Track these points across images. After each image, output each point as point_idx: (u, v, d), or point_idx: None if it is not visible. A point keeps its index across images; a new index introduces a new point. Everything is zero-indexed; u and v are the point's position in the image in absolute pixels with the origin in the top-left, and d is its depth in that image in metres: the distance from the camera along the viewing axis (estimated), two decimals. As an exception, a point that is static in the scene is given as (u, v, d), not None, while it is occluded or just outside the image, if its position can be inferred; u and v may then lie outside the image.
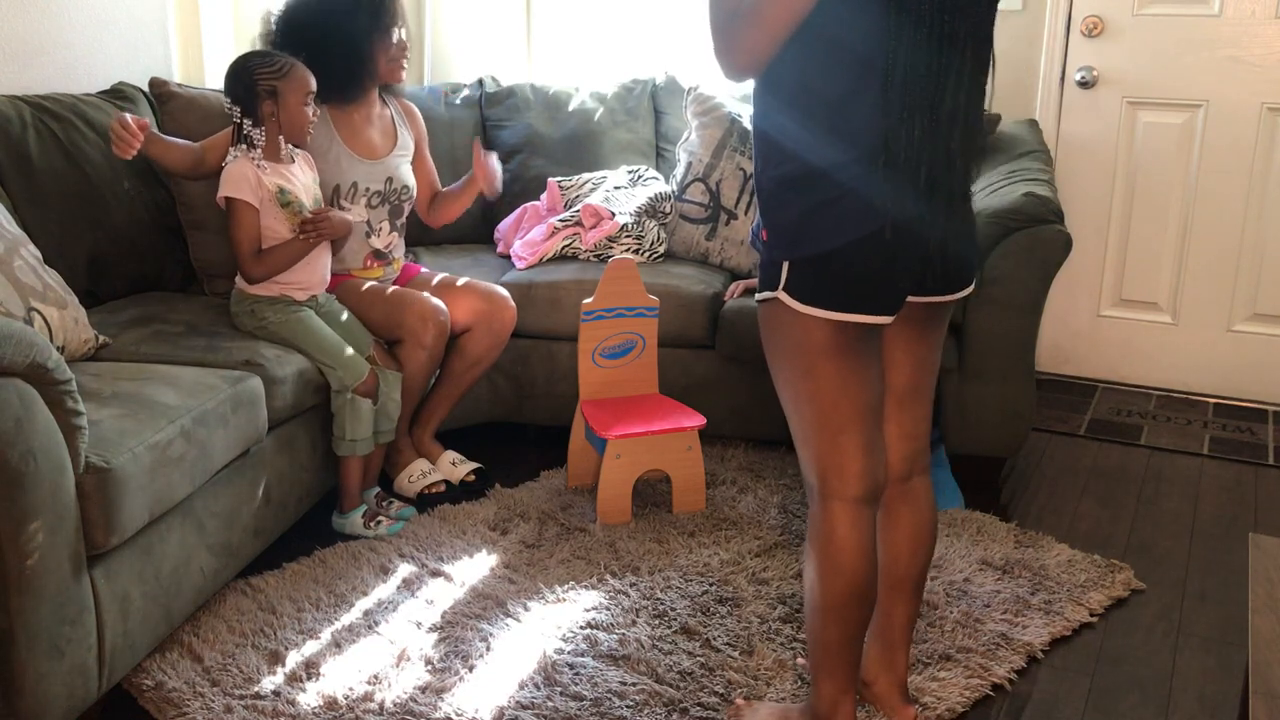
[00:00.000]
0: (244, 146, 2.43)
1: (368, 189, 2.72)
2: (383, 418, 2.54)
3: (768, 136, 1.55)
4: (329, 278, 2.60)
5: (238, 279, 2.51)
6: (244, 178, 2.40)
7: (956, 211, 1.57)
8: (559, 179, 3.28)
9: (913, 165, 1.49)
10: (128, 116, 2.30)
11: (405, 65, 2.76)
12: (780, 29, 1.44)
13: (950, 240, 1.57)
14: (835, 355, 1.57)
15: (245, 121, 2.43)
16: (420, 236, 3.00)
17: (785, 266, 1.55)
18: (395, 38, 2.69)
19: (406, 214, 2.85)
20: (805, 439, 1.64)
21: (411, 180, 2.83)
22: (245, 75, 2.42)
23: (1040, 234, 2.66)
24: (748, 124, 3.18)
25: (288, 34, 2.63)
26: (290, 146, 2.49)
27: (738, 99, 3.30)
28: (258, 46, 2.65)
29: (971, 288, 1.66)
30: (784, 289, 1.56)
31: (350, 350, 2.46)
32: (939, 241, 1.55)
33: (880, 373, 1.64)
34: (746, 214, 3.12)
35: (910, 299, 1.61)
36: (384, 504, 2.61)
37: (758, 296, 1.63)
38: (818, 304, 1.54)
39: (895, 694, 1.85)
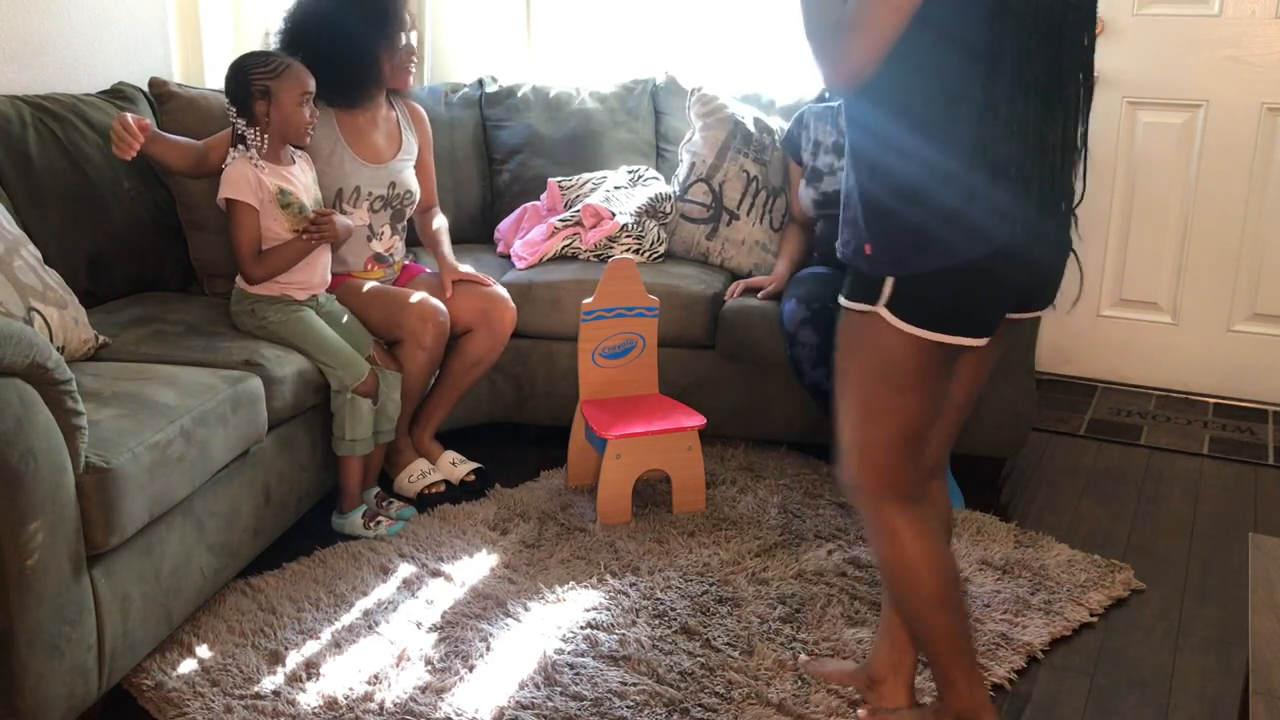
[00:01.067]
0: (241, 147, 2.43)
1: (370, 193, 2.72)
2: (383, 418, 2.54)
3: (876, 150, 1.52)
4: (329, 278, 2.60)
5: (238, 279, 2.51)
6: (244, 179, 2.40)
7: (1064, 227, 1.56)
8: (559, 179, 3.28)
9: (1026, 181, 1.47)
10: (129, 116, 2.30)
11: (412, 70, 2.75)
12: (887, 35, 1.41)
13: (1056, 258, 1.57)
14: (928, 375, 1.56)
15: (239, 122, 2.43)
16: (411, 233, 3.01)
17: (890, 283, 1.52)
18: (402, 43, 2.69)
19: (408, 217, 2.85)
20: (868, 449, 1.62)
21: (414, 185, 2.83)
22: (240, 75, 2.43)
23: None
24: (751, 126, 3.18)
25: (295, 38, 2.63)
26: (290, 147, 2.50)
27: (739, 100, 3.30)
28: (264, 47, 2.66)
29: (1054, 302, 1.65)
30: (886, 305, 1.52)
31: (350, 350, 2.47)
32: (1049, 260, 1.55)
33: (945, 386, 1.64)
34: (748, 215, 3.12)
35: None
36: (384, 504, 2.61)
37: (848, 304, 1.59)
38: (923, 325, 1.51)
39: (903, 693, 1.85)
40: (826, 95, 3.02)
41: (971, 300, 1.51)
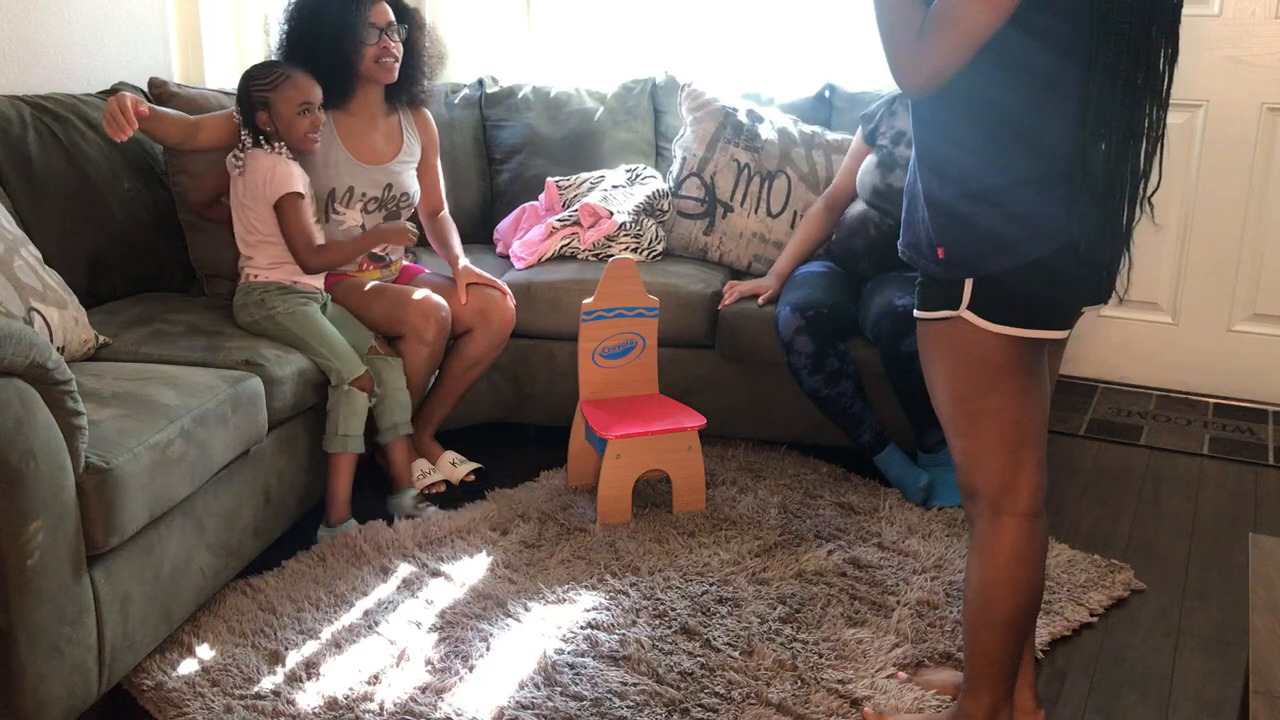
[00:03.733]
0: (266, 146, 2.48)
1: (364, 194, 2.72)
2: (396, 408, 2.54)
3: (949, 151, 1.51)
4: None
5: (245, 269, 2.54)
6: (291, 173, 2.47)
7: (1131, 221, 1.55)
8: (557, 179, 3.29)
9: (1106, 180, 1.47)
10: (128, 98, 2.33)
11: (394, 64, 2.69)
12: (979, 37, 1.39)
13: (1120, 249, 1.57)
14: (1019, 372, 1.55)
15: (244, 136, 2.50)
16: (422, 237, 3.00)
17: (969, 285, 1.51)
18: (375, 38, 2.64)
19: (405, 219, 2.84)
20: (980, 456, 1.61)
21: (413, 188, 2.83)
22: (243, 86, 2.50)
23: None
24: (742, 117, 3.18)
25: (286, 37, 2.66)
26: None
27: (733, 94, 3.30)
28: (270, 48, 2.68)
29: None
30: (969, 308, 1.52)
31: (351, 349, 2.47)
32: (1115, 251, 1.54)
33: (1048, 386, 1.62)
34: (743, 205, 3.12)
35: None
36: (420, 507, 2.59)
37: (926, 315, 1.58)
38: (1007, 321, 1.51)
39: (1028, 695, 1.84)
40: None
41: (1051, 293, 1.52)
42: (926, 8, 1.43)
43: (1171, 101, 1.57)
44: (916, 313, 1.61)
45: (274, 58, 2.68)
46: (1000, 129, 1.47)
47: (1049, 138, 1.46)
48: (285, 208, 2.46)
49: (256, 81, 2.47)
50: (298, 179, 2.48)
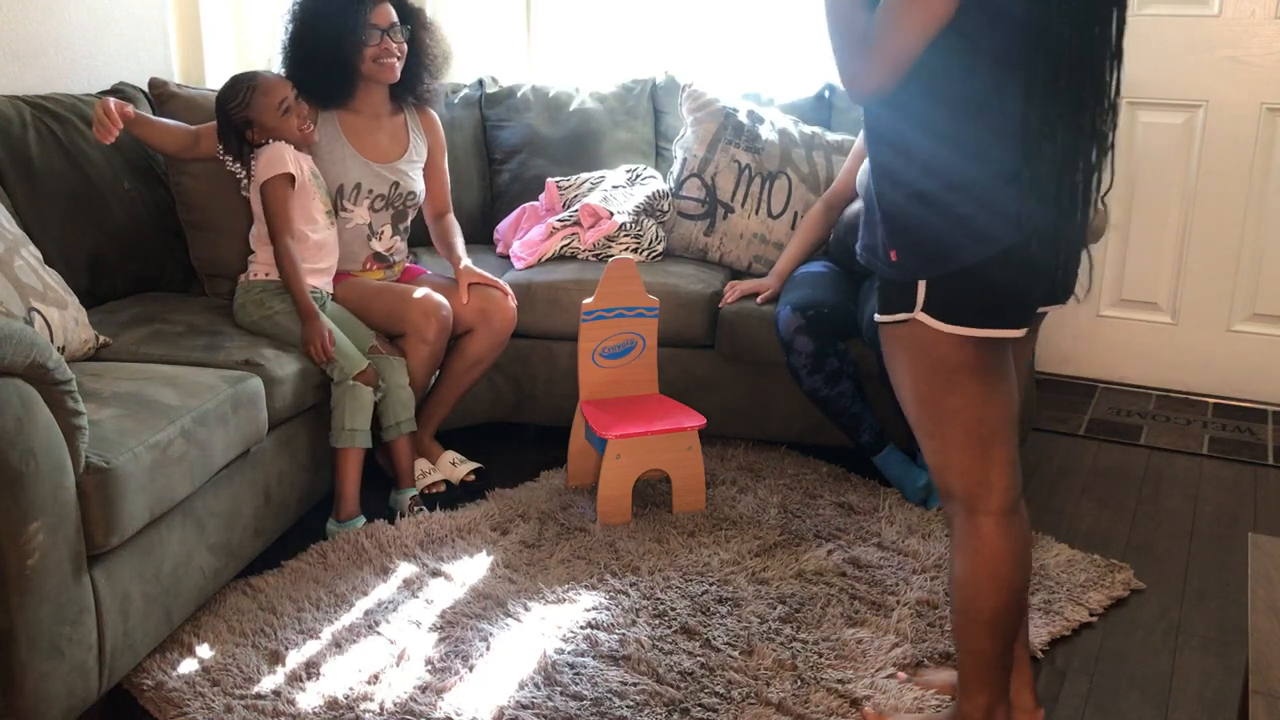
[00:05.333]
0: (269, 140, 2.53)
1: (370, 191, 2.72)
2: (399, 407, 2.54)
3: (897, 153, 1.53)
4: (331, 280, 2.64)
5: (249, 266, 2.55)
6: (281, 156, 2.48)
7: (1084, 221, 1.57)
8: (557, 179, 3.29)
9: (1054, 178, 1.48)
10: (111, 101, 2.38)
11: (395, 65, 2.68)
12: (914, 48, 1.42)
13: (1076, 249, 1.58)
14: (979, 371, 1.56)
15: (236, 167, 2.56)
16: (422, 237, 3.01)
17: (922, 286, 1.53)
18: (376, 39, 2.65)
19: (411, 219, 2.85)
20: (949, 457, 1.62)
21: (418, 187, 2.83)
22: (221, 116, 2.54)
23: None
24: (743, 117, 3.18)
25: (287, 39, 2.67)
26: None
27: (733, 95, 3.30)
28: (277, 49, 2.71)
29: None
30: (924, 310, 1.53)
31: (352, 345, 2.48)
32: (1070, 251, 1.56)
33: (1015, 385, 1.63)
34: (744, 206, 3.12)
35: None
36: (415, 509, 2.59)
37: (884, 319, 1.60)
38: (962, 322, 1.52)
39: (1027, 695, 1.85)
40: None
41: (1003, 293, 1.53)
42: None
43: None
44: (877, 316, 1.62)
45: (276, 57, 2.69)
46: (943, 140, 1.49)
47: (992, 140, 1.47)
48: (266, 190, 2.47)
49: (230, 106, 2.52)
50: (289, 160, 2.49)
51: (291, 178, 2.48)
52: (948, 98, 1.47)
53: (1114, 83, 1.53)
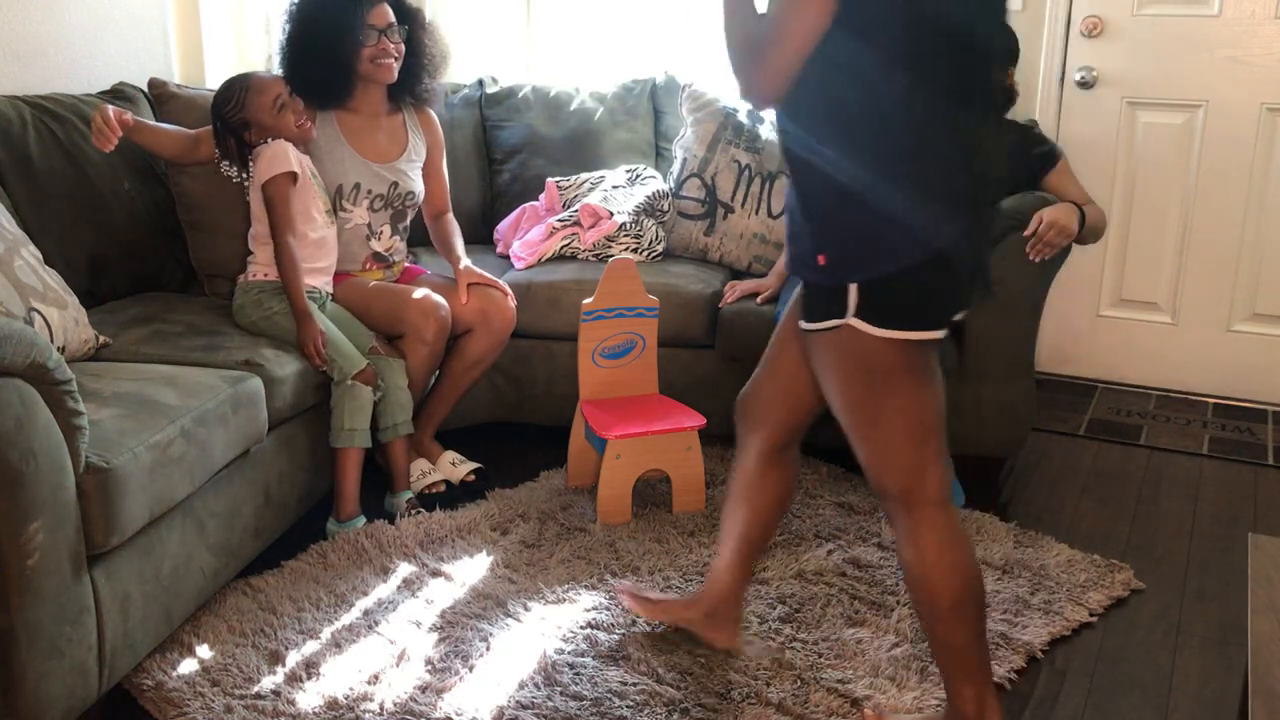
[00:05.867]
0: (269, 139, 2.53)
1: (370, 191, 2.72)
2: (397, 409, 2.54)
3: (816, 161, 1.54)
4: (331, 280, 2.64)
5: (248, 266, 2.55)
6: (283, 155, 2.48)
7: (992, 215, 1.61)
8: (557, 179, 3.29)
9: (960, 174, 1.51)
10: (109, 109, 2.38)
11: (393, 65, 2.68)
12: (799, 54, 1.45)
13: (988, 245, 1.61)
14: (913, 371, 1.58)
15: (228, 169, 2.56)
16: (422, 237, 3.01)
17: (853, 291, 1.54)
18: (373, 39, 2.64)
19: (410, 219, 2.85)
20: (889, 456, 1.64)
21: (418, 187, 2.83)
22: (217, 120, 2.54)
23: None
24: (743, 117, 3.18)
25: (286, 39, 2.67)
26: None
27: (733, 95, 3.30)
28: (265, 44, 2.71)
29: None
30: (856, 315, 1.54)
31: (351, 345, 2.48)
32: (987, 254, 1.59)
33: (941, 380, 1.65)
34: (744, 206, 3.12)
35: None
36: (414, 512, 2.59)
37: (813, 326, 1.60)
38: (893, 325, 1.54)
39: (733, 623, 2.02)
40: None
41: (934, 294, 1.56)
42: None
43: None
44: (802, 324, 1.63)
45: (274, 58, 2.70)
46: (849, 138, 1.51)
47: (892, 148, 1.50)
48: (269, 188, 2.47)
49: (226, 109, 2.52)
50: (292, 158, 2.49)
51: (294, 175, 2.48)
52: (844, 98, 1.50)
53: (1007, 86, 1.57)
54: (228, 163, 2.56)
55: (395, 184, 2.76)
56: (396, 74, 2.71)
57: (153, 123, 2.61)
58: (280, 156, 2.47)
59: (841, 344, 1.58)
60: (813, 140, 1.54)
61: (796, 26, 1.43)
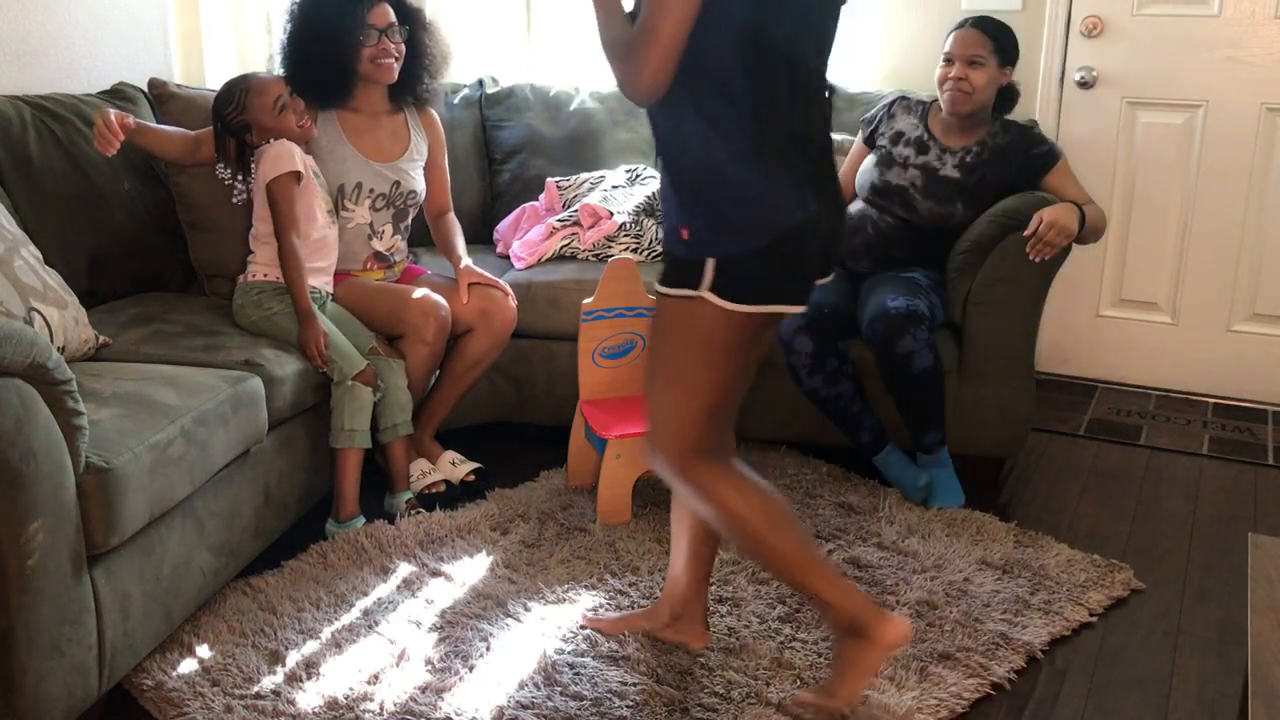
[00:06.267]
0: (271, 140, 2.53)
1: (372, 190, 2.72)
2: (396, 409, 2.54)
3: (678, 144, 1.62)
4: (331, 280, 2.64)
5: (248, 266, 2.55)
6: (288, 154, 2.48)
7: (838, 195, 1.70)
8: (557, 179, 3.29)
9: (799, 160, 1.60)
10: (111, 113, 2.37)
11: (393, 65, 2.68)
12: (674, 46, 1.52)
13: (838, 223, 1.70)
14: (742, 348, 1.67)
15: (224, 172, 2.57)
16: (423, 237, 3.01)
17: (710, 265, 1.60)
18: (374, 39, 2.64)
19: (411, 218, 2.85)
20: (682, 418, 1.70)
21: (419, 186, 2.83)
22: (218, 123, 2.54)
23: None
24: None
25: (286, 39, 2.67)
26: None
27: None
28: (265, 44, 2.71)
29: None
30: (710, 289, 1.60)
31: (351, 345, 2.48)
32: (836, 224, 1.68)
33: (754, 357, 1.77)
34: None
35: None
36: (414, 513, 2.59)
37: (668, 290, 1.66)
38: (747, 300, 1.60)
39: (700, 623, 2.05)
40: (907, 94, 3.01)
41: (790, 271, 1.62)
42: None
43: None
44: (658, 287, 1.69)
45: (275, 58, 2.70)
46: (710, 125, 1.58)
47: (746, 133, 1.58)
48: (274, 188, 2.47)
49: (226, 111, 2.52)
50: (297, 158, 2.49)
51: (298, 175, 2.48)
52: (704, 88, 1.57)
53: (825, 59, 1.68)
54: (223, 165, 2.56)
55: (397, 183, 2.76)
56: (397, 74, 2.71)
57: (154, 125, 2.61)
58: (285, 156, 2.47)
59: (691, 313, 1.64)
60: (676, 129, 1.62)
61: (665, 25, 1.50)
